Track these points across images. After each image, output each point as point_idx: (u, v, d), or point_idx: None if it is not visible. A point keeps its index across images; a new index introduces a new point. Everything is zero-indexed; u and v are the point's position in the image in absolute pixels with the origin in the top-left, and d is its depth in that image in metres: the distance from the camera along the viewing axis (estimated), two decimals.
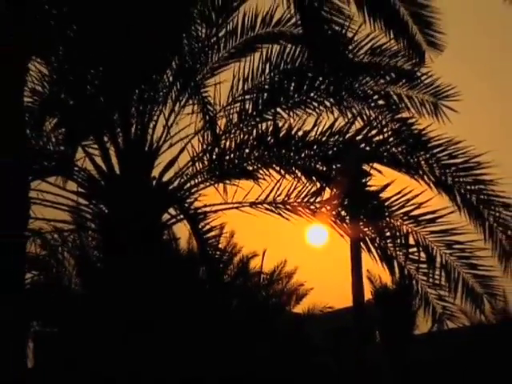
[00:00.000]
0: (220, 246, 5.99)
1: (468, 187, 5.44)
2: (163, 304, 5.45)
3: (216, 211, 5.42)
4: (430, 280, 5.34)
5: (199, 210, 5.47)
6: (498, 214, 5.37)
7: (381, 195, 5.42)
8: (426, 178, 5.44)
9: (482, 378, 11.18)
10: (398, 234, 5.38)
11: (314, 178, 5.54)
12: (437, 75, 5.47)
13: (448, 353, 11.17)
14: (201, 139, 5.49)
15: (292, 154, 5.56)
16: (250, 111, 5.62)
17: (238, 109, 5.64)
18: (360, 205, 5.46)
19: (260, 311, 9.10)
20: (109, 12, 5.24)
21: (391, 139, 5.52)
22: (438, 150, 5.43)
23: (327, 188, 5.50)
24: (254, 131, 5.58)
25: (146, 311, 5.00)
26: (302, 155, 5.59)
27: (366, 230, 5.47)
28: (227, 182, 5.39)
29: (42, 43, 5.65)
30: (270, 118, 5.57)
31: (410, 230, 5.35)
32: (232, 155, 5.47)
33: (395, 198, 5.35)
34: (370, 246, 5.44)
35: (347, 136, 5.48)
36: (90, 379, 6.34)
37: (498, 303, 6.36)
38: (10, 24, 4.67)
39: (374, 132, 5.51)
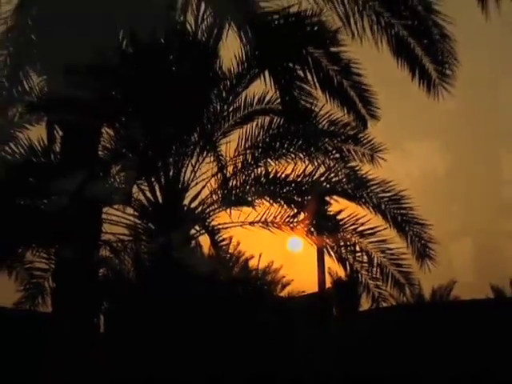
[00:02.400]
0: (229, 251, 8.67)
1: (395, 211, 8.14)
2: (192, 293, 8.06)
3: (226, 228, 8.11)
4: (370, 274, 7.97)
5: (215, 227, 8.13)
6: (415, 230, 8.07)
7: (337, 217, 8.11)
8: (367, 205, 8.16)
9: (408, 344, 15.84)
10: (348, 243, 8.06)
11: (292, 205, 8.24)
12: (373, 136, 8.29)
13: (383, 326, 15.35)
14: (216, 179, 8.21)
15: (278, 189, 8.28)
16: (249, 161, 8.39)
17: (241, 159, 8.40)
18: (323, 224, 8.16)
19: (257, 294, 12.40)
20: (157, 94, 8.07)
21: (344, 179, 8.28)
22: (375, 186, 8.17)
23: (301, 212, 8.19)
24: (252, 174, 8.33)
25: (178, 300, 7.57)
26: (284, 190, 8.31)
27: (327, 240, 8.14)
28: (234, 208, 8.07)
29: (111, 115, 8.51)
30: (262, 165, 8.33)
31: (356, 241, 8.02)
32: (237, 190, 8.18)
33: (347, 218, 8.04)
34: (330, 251, 8.12)
35: (314, 177, 8.22)
36: (141, 342, 9.06)
37: (415, 290, 8.98)
38: (90, 104, 7.49)
39: (332, 175, 8.27)
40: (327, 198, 8.16)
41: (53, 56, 6.90)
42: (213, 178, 8.25)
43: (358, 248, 8.01)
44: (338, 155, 8.36)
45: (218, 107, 8.36)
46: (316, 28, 7.21)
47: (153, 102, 8.05)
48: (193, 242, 9.04)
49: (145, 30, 6.28)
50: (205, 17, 7.57)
